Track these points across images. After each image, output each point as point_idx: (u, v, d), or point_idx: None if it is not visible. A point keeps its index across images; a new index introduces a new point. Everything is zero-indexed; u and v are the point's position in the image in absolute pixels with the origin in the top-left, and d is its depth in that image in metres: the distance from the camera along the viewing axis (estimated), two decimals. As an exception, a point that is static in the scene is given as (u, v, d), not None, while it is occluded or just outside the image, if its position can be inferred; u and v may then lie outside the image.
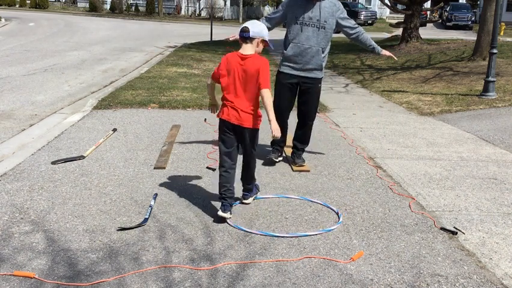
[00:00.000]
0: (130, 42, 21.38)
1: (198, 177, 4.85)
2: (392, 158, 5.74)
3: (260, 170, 5.12)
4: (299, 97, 5.19)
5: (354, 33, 5.14)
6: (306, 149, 5.41)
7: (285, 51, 5.06)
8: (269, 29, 4.99)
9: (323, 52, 5.01)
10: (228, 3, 49.02)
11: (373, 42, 5.25)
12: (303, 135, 5.31)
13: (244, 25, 3.81)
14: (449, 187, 4.79)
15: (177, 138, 6.24)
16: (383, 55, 5.27)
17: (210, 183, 4.69)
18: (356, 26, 5.18)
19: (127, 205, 4.09)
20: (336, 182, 4.82)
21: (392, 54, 5.33)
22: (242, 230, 3.66)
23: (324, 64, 5.10)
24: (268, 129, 3.80)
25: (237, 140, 3.92)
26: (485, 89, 9.56)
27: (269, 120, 3.76)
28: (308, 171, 5.10)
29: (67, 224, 3.69)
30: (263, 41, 3.87)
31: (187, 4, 51.53)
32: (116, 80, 11.17)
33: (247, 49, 3.80)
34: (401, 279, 3.06)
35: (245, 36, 3.75)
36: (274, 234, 3.60)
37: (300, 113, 5.29)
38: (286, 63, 5.08)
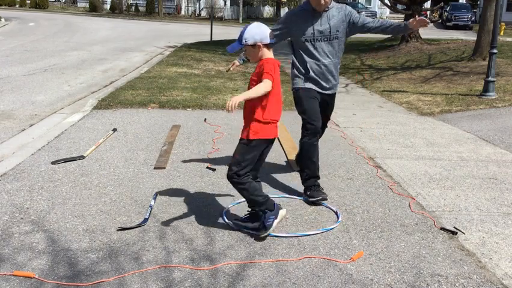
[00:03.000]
0: (130, 42, 21.38)
1: (198, 177, 4.85)
2: (392, 158, 5.74)
3: (260, 170, 5.12)
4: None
5: (377, 25, 4.44)
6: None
7: (303, 71, 4.42)
8: None
9: (338, 62, 4.55)
10: (228, 3, 49.05)
11: (395, 23, 4.57)
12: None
13: (269, 30, 3.53)
14: (449, 187, 4.79)
15: (177, 138, 6.24)
16: (413, 27, 4.34)
17: (210, 183, 4.69)
18: (369, 18, 4.59)
19: (127, 205, 4.10)
20: (336, 182, 4.82)
21: (421, 20, 4.26)
22: (242, 230, 3.66)
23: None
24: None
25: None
26: (485, 89, 9.57)
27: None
28: (308, 171, 5.09)
29: (67, 224, 3.69)
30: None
31: (187, 4, 51.54)
32: (116, 80, 11.17)
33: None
34: (401, 279, 3.06)
35: (274, 43, 3.58)
36: (273, 235, 3.59)
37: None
38: (308, 82, 4.45)
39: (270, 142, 3.60)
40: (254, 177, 3.63)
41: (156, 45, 20.10)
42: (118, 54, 16.37)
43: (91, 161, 5.22)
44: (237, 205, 4.14)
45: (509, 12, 34.93)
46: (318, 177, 4.44)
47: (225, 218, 3.86)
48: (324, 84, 4.46)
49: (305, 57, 4.41)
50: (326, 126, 4.87)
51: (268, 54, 3.51)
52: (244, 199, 3.71)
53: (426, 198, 4.46)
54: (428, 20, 4.19)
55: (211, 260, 3.21)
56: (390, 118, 8.06)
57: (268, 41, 3.47)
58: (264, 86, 3.36)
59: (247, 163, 3.49)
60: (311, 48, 4.38)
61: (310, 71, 4.39)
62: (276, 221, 3.51)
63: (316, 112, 4.42)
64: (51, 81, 10.64)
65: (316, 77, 4.42)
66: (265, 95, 3.41)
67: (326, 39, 4.36)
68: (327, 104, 4.62)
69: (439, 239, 3.63)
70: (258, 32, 3.46)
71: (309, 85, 4.44)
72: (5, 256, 3.19)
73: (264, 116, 3.46)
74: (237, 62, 4.65)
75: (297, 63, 4.48)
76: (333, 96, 4.66)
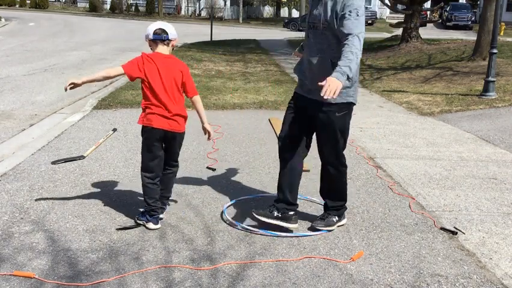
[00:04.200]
0: (130, 42, 21.38)
1: (198, 177, 4.85)
2: (392, 158, 5.74)
3: (260, 170, 5.12)
4: (316, 131, 3.72)
5: (343, 43, 3.27)
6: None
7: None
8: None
9: (333, 66, 3.25)
10: (228, 3, 49.04)
11: (346, 64, 3.12)
12: (327, 187, 3.82)
13: (158, 27, 3.67)
14: (449, 187, 4.79)
15: (177, 138, 6.24)
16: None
17: (210, 183, 4.69)
18: (350, 33, 3.25)
19: (127, 205, 4.10)
20: (336, 182, 4.81)
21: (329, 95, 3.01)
22: (243, 228, 3.66)
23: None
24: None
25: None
26: (485, 89, 9.57)
27: (203, 123, 3.91)
28: (308, 171, 5.09)
29: (67, 224, 3.69)
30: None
31: (187, 4, 51.53)
32: (116, 80, 11.17)
33: (165, 50, 3.70)
34: (401, 279, 3.06)
35: (163, 39, 3.66)
36: (275, 234, 3.60)
37: (318, 151, 3.76)
38: (299, 82, 3.77)
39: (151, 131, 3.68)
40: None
41: (156, 45, 20.07)
42: (118, 54, 16.38)
43: (91, 161, 5.22)
44: (237, 202, 4.14)
45: (509, 12, 34.92)
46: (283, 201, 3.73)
47: (226, 215, 3.87)
48: (306, 81, 3.63)
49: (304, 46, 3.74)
50: (327, 162, 3.70)
51: (157, 48, 3.68)
52: (242, 197, 3.87)
53: (426, 198, 4.46)
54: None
55: (211, 260, 3.21)
56: (390, 118, 8.06)
57: (151, 37, 3.66)
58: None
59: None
60: (307, 37, 3.65)
61: (300, 63, 3.73)
62: (151, 225, 3.65)
63: (285, 122, 3.72)
64: (51, 81, 10.64)
65: (301, 72, 3.69)
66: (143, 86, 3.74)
67: (317, 27, 3.49)
68: (316, 117, 3.56)
69: (439, 239, 3.63)
70: (148, 28, 3.69)
71: (296, 88, 3.78)
72: (5, 256, 3.19)
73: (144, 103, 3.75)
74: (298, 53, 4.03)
75: None
76: (322, 106, 3.47)
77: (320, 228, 3.68)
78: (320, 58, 3.48)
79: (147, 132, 3.68)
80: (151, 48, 3.73)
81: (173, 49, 3.79)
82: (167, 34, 3.66)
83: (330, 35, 3.43)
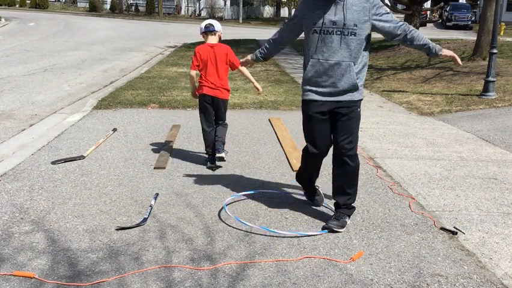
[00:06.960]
0: (130, 42, 21.39)
1: (198, 177, 4.85)
2: (392, 158, 5.74)
3: (260, 170, 5.13)
4: (332, 128, 3.76)
5: (401, 33, 3.66)
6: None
7: (306, 74, 3.73)
8: (280, 45, 3.98)
9: (356, 66, 3.64)
10: (228, 3, 49.04)
11: (427, 40, 3.67)
12: (343, 181, 3.82)
13: (208, 22, 5.01)
14: (449, 187, 4.79)
15: (177, 138, 6.24)
16: (442, 56, 3.68)
17: (210, 182, 4.69)
18: (399, 22, 3.67)
19: (127, 205, 4.10)
20: (336, 182, 4.81)
21: (455, 55, 3.68)
22: (244, 224, 3.66)
23: (360, 82, 3.68)
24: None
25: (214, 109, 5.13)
26: (485, 89, 9.57)
27: (253, 83, 5.29)
28: (308, 171, 5.09)
29: (67, 224, 3.69)
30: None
31: (187, 4, 51.53)
32: (116, 80, 11.18)
33: (213, 39, 5.02)
34: (401, 279, 3.06)
35: (211, 30, 4.98)
36: (273, 231, 3.60)
37: (335, 147, 3.80)
38: (309, 88, 3.71)
39: (203, 96, 5.07)
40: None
41: (156, 45, 20.10)
42: (118, 54, 16.38)
43: (91, 161, 5.22)
44: (237, 197, 4.15)
45: (509, 12, 34.95)
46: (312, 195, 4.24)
47: (226, 210, 3.88)
48: (326, 85, 3.65)
49: (311, 51, 3.65)
50: (347, 154, 3.72)
51: (207, 39, 5.04)
52: (243, 195, 4.20)
53: (426, 198, 4.46)
54: (460, 62, 3.73)
55: (211, 260, 3.22)
56: (390, 118, 8.06)
57: (203, 30, 5.02)
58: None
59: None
60: (318, 42, 3.59)
61: (312, 69, 3.65)
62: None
63: (316, 136, 3.78)
64: (51, 81, 10.65)
65: (317, 77, 3.65)
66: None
67: (339, 32, 3.54)
68: (340, 115, 3.68)
69: (439, 239, 3.63)
70: (201, 25, 5.07)
71: (309, 95, 3.72)
72: (5, 256, 3.19)
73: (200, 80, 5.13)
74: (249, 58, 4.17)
75: (304, 60, 3.82)
76: (347, 104, 3.67)
77: (337, 227, 3.69)
78: (346, 62, 3.59)
79: (200, 97, 5.07)
80: (204, 39, 5.06)
81: (220, 39, 5.12)
82: (213, 26, 4.98)
83: (358, 40, 3.58)
